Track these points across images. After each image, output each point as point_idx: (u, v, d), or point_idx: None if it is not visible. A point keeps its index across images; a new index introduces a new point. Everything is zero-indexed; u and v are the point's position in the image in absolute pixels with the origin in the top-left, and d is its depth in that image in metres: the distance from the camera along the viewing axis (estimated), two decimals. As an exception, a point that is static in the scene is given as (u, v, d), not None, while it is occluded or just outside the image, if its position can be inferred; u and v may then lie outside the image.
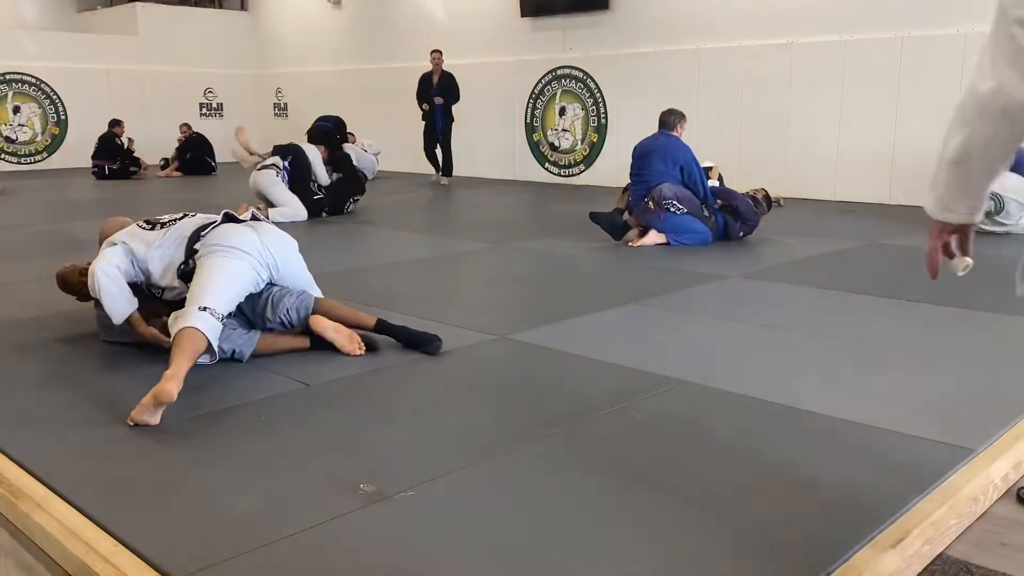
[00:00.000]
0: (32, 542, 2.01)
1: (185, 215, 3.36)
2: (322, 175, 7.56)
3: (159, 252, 3.18)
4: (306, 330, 3.27)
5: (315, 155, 7.61)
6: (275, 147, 7.54)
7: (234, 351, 3.10)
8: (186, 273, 3.10)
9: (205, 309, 2.81)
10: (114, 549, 1.82)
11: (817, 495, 2.06)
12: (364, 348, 3.24)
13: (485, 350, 3.40)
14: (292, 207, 7.20)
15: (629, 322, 3.88)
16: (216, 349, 2.83)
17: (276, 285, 3.29)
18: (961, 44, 7.58)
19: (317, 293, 3.42)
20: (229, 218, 3.29)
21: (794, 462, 2.27)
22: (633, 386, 2.88)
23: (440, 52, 10.42)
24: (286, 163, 7.30)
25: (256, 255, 3.15)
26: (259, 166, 7.34)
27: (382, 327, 3.32)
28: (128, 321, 3.16)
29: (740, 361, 3.21)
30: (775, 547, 1.82)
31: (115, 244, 3.19)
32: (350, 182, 7.81)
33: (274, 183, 7.22)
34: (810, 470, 2.22)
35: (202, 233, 3.17)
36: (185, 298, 2.96)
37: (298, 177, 7.32)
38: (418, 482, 2.13)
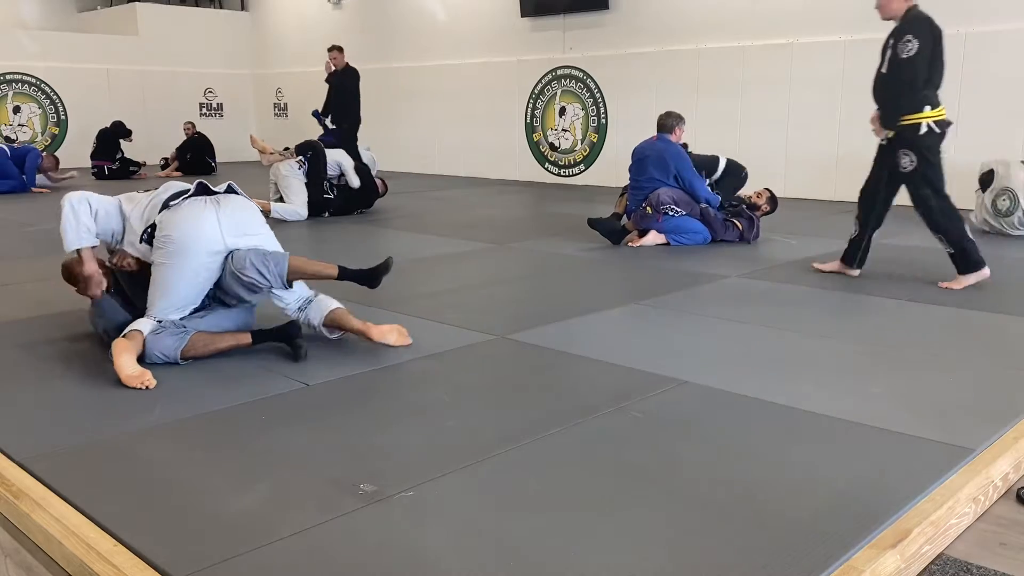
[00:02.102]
0: (32, 542, 2.01)
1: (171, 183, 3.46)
2: (352, 179, 7.66)
3: (140, 211, 3.31)
4: (311, 326, 3.33)
5: (345, 160, 7.71)
6: (297, 145, 7.68)
7: (164, 353, 3.09)
8: (150, 237, 3.22)
9: (151, 318, 3.15)
10: (114, 549, 1.82)
11: (817, 495, 2.06)
12: (410, 339, 3.40)
13: (485, 350, 3.40)
14: (295, 205, 7.29)
15: (629, 322, 3.88)
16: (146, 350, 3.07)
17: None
18: (961, 44, 7.57)
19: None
20: (202, 188, 3.30)
21: (794, 462, 2.28)
22: (633, 386, 2.88)
23: (339, 49, 9.13)
24: (304, 158, 7.43)
25: (203, 242, 3.17)
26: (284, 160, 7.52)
27: (343, 274, 3.40)
28: (78, 252, 3.28)
29: (740, 361, 3.21)
30: (775, 547, 1.82)
31: (114, 198, 3.38)
32: (362, 193, 7.85)
33: (291, 174, 7.34)
34: (810, 470, 2.22)
35: (171, 203, 3.22)
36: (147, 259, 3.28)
37: (313, 173, 7.42)
38: (418, 482, 2.13)
